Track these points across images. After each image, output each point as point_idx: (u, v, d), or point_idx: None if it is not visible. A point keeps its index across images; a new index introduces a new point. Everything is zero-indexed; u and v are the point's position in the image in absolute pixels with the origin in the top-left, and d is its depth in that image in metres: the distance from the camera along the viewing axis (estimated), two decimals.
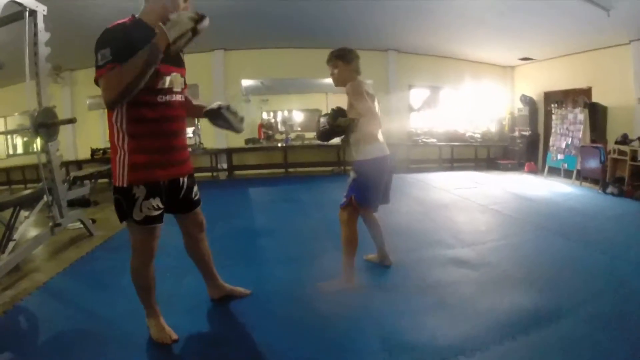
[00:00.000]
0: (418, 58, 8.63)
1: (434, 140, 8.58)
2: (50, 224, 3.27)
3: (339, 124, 2.24)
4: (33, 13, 2.95)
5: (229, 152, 8.34)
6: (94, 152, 9.40)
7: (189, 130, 9.02)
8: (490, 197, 5.11)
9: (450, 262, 2.76)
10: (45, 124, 3.15)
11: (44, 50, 3.13)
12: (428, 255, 2.91)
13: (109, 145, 7.86)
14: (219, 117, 1.81)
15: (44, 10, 3.00)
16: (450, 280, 2.46)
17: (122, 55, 1.45)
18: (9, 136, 9.26)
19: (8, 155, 9.11)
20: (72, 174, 5.36)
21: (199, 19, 1.47)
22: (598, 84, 6.89)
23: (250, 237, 3.62)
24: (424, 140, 8.55)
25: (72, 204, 4.06)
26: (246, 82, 8.68)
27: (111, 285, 2.55)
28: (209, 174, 8.52)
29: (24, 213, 3.38)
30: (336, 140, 2.61)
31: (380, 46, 8.23)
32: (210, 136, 8.51)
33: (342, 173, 8.14)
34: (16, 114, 8.38)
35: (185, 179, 1.85)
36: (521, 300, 2.15)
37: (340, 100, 9.97)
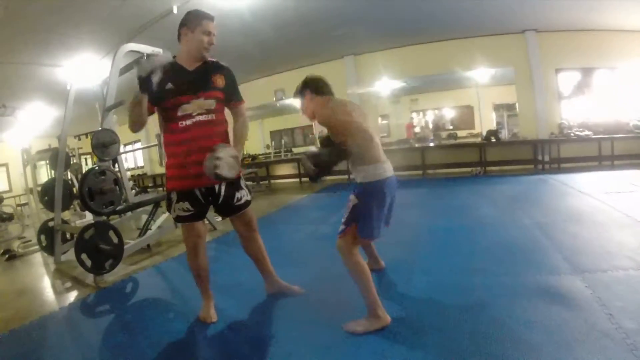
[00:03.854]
0: (563, 36, 7.10)
1: (590, 133, 6.90)
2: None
3: (322, 160, 1.96)
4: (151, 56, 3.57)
5: None
6: (243, 158, 10.82)
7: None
8: None
9: (542, 293, 2.14)
10: None
11: None
12: (513, 282, 2.32)
13: (262, 152, 9.06)
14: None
15: (161, 52, 3.61)
16: (521, 323, 1.83)
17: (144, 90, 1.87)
18: None
19: None
20: None
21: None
22: None
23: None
24: (577, 133, 7.04)
25: None
26: (392, 84, 8.82)
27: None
28: (345, 176, 8.88)
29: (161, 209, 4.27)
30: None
31: (515, 28, 7.11)
32: None
33: (483, 174, 7.51)
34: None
35: (222, 188, 2.11)
36: None
37: (495, 93, 9.12)
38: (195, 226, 2.15)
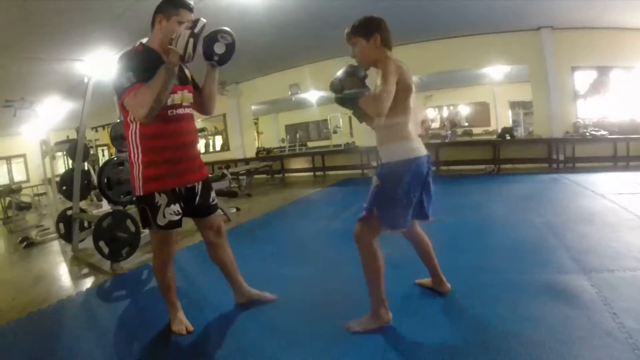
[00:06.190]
0: (580, 33, 6.97)
1: (605, 132, 6.79)
2: None
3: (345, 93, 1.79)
4: None
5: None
6: (258, 151, 10.92)
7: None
8: None
9: (547, 291, 2.15)
10: None
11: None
12: (519, 279, 2.34)
13: (276, 145, 9.14)
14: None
15: None
16: (525, 319, 1.86)
17: (143, 77, 1.68)
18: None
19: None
20: (223, 170, 6.27)
21: (193, 24, 1.69)
22: None
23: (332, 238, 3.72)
24: (592, 132, 6.95)
25: (222, 194, 4.90)
26: None
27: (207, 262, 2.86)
28: (359, 171, 9.08)
29: None
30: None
31: (531, 25, 7.00)
32: (361, 135, 8.99)
33: (496, 172, 7.46)
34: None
35: (200, 186, 1.99)
36: None
37: (511, 90, 9.26)
38: (175, 233, 1.95)
